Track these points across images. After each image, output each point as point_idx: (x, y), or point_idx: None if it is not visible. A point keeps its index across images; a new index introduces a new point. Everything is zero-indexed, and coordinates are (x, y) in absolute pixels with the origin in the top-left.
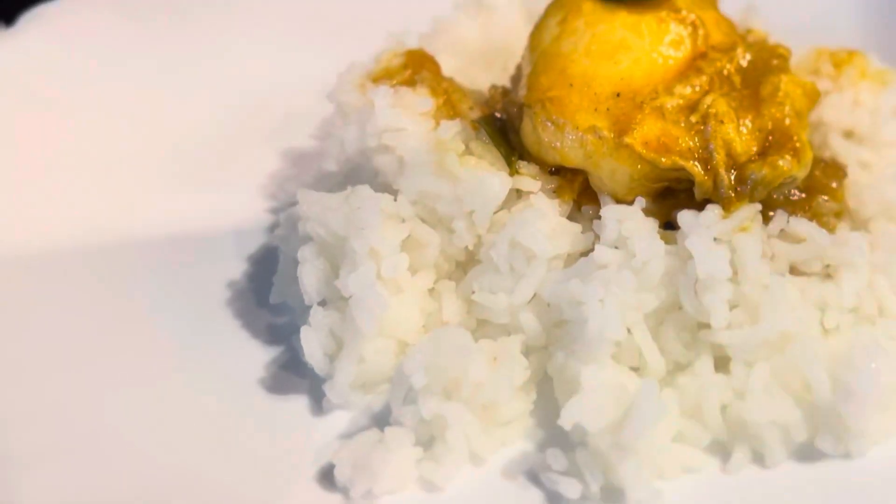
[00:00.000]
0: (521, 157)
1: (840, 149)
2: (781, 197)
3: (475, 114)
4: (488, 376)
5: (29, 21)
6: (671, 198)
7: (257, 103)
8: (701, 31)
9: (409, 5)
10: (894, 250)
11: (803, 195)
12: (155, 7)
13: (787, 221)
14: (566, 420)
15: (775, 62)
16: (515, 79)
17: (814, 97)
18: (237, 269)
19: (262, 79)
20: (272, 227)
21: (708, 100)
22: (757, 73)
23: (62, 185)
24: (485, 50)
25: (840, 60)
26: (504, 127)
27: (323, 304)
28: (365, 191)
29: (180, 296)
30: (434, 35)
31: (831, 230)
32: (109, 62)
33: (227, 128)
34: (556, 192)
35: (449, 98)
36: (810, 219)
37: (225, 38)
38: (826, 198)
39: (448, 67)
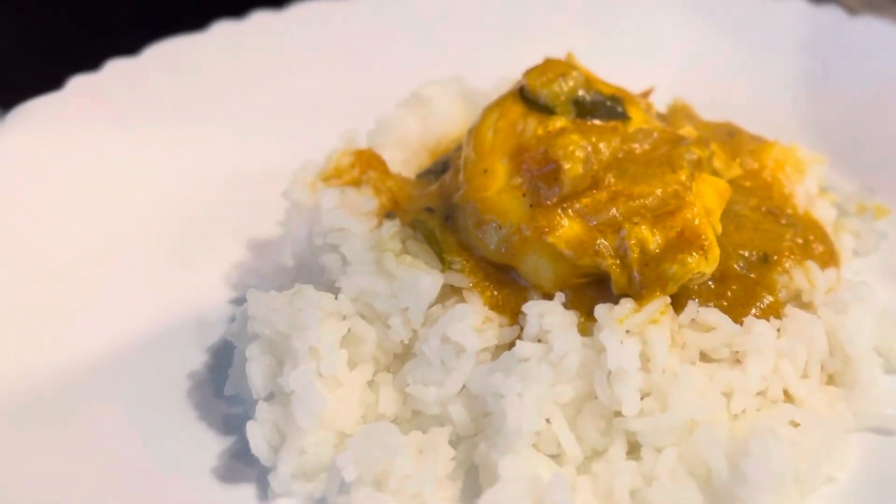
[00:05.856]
0: (461, 248)
1: None
2: (695, 286)
3: (416, 211)
4: (414, 468)
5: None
6: (594, 288)
7: (226, 193)
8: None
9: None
10: (798, 336)
11: (713, 284)
12: (131, 99)
13: (697, 311)
14: None
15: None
16: (455, 172)
17: (725, 195)
18: (197, 359)
19: (231, 169)
20: (233, 319)
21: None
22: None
23: (29, 273)
24: (426, 141)
25: (759, 149)
26: (447, 220)
27: (270, 397)
28: (308, 291)
29: (140, 385)
30: (380, 131)
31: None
32: (79, 150)
33: (195, 217)
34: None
35: (393, 196)
36: (722, 306)
37: (195, 128)
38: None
39: (395, 161)
